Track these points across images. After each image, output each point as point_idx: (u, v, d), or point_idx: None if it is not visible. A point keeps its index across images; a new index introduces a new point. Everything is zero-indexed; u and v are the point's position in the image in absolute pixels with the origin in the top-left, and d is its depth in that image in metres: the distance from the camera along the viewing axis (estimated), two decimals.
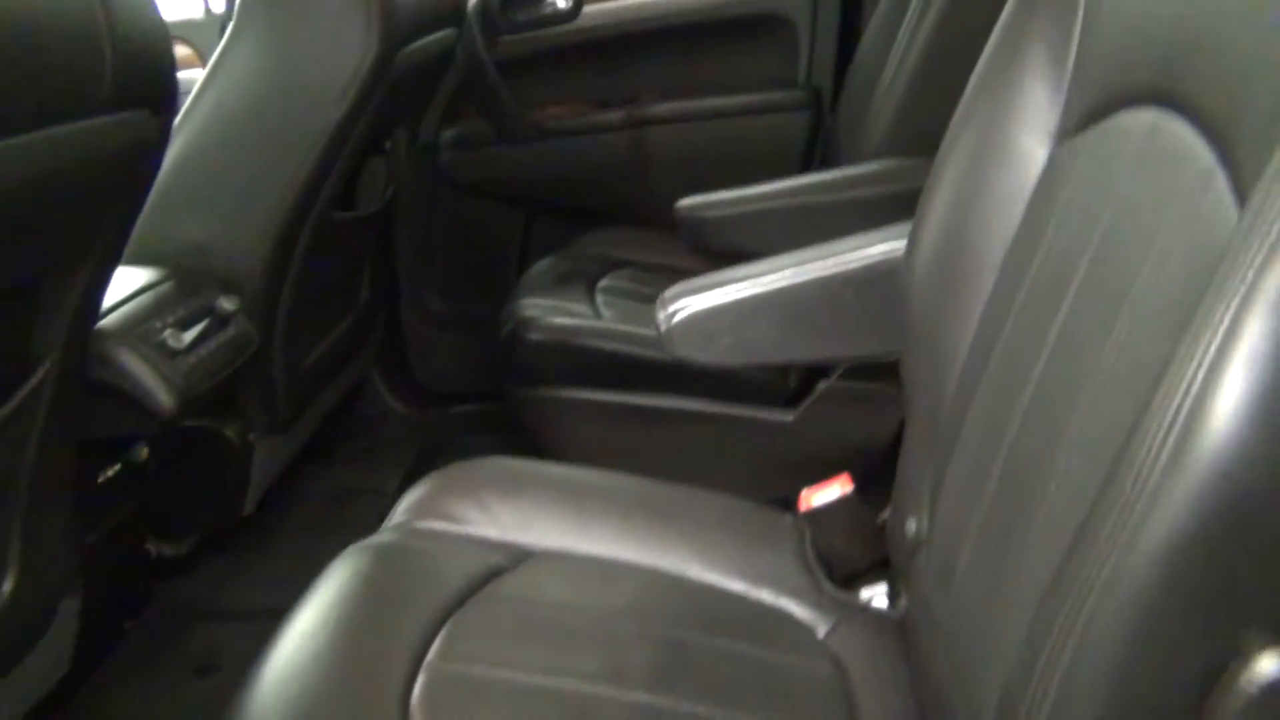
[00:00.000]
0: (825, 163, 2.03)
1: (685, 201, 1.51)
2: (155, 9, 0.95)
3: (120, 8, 0.88)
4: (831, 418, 1.43)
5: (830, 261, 1.05)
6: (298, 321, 1.61)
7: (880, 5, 1.85)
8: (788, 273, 1.05)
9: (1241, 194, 0.52)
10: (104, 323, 1.25)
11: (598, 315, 1.65)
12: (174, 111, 1.00)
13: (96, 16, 0.85)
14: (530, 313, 1.63)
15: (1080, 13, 0.83)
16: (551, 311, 1.62)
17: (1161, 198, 0.62)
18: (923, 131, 1.44)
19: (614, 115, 2.16)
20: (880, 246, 1.04)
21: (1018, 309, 0.78)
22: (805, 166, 2.10)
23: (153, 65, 0.93)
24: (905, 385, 1.00)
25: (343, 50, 1.46)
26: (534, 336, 1.57)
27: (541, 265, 1.90)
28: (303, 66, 1.47)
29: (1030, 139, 0.86)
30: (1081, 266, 0.70)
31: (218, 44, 2.20)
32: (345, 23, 1.45)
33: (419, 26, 1.64)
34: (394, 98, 1.64)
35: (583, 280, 1.80)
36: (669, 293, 1.08)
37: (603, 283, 1.81)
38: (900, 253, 1.02)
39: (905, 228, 1.03)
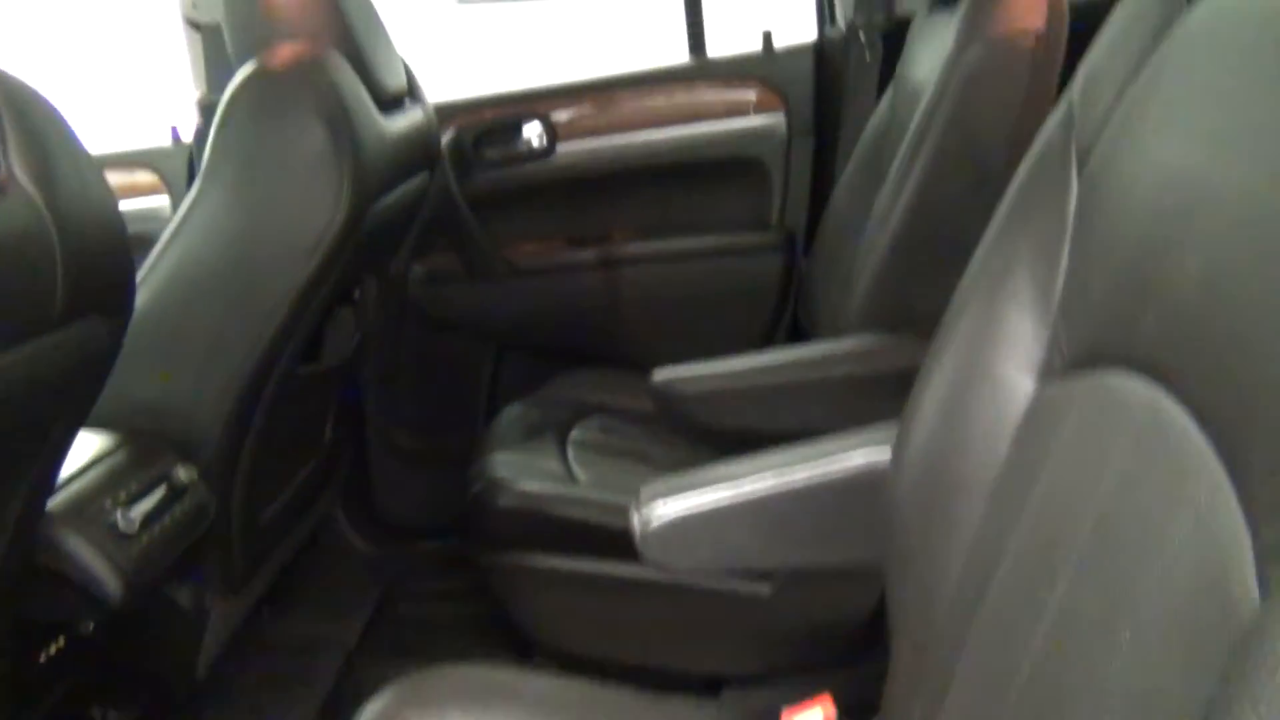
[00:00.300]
0: (800, 306, 2.02)
1: (660, 374, 1.48)
2: (110, 207, 0.92)
3: (73, 218, 0.84)
4: (808, 592, 1.39)
5: (812, 468, 1.02)
6: (258, 476, 1.56)
7: (855, 151, 1.86)
8: (769, 478, 1.02)
9: (1257, 534, 0.49)
10: (51, 503, 1.20)
11: (570, 475, 1.61)
12: (129, 311, 0.96)
13: (47, 233, 0.81)
14: (500, 472, 1.59)
15: (1066, 244, 0.81)
16: (522, 472, 1.58)
17: (1165, 493, 0.59)
18: (902, 304, 1.43)
19: (587, 254, 2.15)
20: (863, 453, 1.01)
21: (1010, 563, 0.75)
22: (779, 309, 2.09)
23: (108, 273, 0.90)
24: (889, 598, 0.97)
25: (311, 210, 1.43)
26: (503, 502, 1.52)
27: (512, 412, 1.87)
28: (270, 225, 1.44)
29: (1014, 369, 0.84)
30: (1080, 538, 0.67)
31: (184, 174, 2.22)
32: (314, 181, 1.42)
33: (392, 179, 1.62)
34: (364, 251, 1.61)
35: (553, 431, 1.76)
36: (645, 494, 1.04)
37: (574, 433, 1.77)
38: (883, 462, 0.99)
39: (887, 431, 1.00)
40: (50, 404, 0.89)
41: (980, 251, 0.92)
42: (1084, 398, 0.74)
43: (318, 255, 1.46)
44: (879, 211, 1.50)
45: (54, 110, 0.88)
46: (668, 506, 1.03)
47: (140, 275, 1.46)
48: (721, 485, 1.03)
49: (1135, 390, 0.67)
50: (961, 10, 1.39)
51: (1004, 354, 0.85)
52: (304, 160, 1.42)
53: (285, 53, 1.44)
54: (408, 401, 2.20)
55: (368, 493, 2.21)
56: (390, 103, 1.64)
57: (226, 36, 1.52)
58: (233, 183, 1.43)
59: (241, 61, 1.49)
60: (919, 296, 1.42)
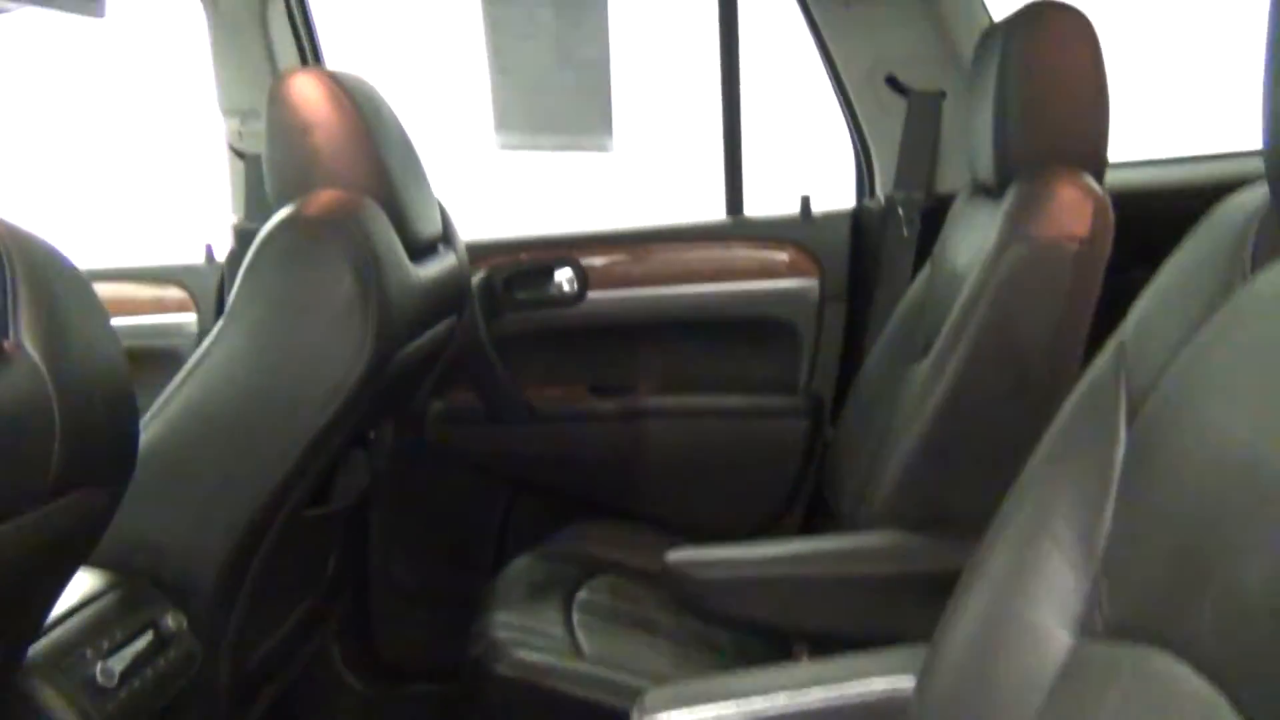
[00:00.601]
0: (823, 475, 1.97)
1: (674, 556, 1.43)
2: (118, 373, 0.88)
3: (78, 387, 0.81)
4: None
5: (828, 690, 0.96)
6: (252, 619, 1.50)
7: (889, 324, 1.83)
8: (781, 698, 0.96)
9: None
10: (31, 650, 1.15)
11: (574, 643, 1.55)
12: (129, 477, 0.92)
13: (48, 403, 0.78)
14: (500, 634, 1.53)
15: (1112, 498, 0.77)
16: (524, 638, 1.52)
17: None
18: (930, 504, 1.38)
19: (609, 404, 2.12)
20: (884, 680, 0.95)
21: None
22: (802, 476, 2.04)
23: (110, 443, 0.86)
24: None
25: (333, 358, 1.40)
26: (502, 669, 1.46)
27: (519, 565, 1.81)
28: (289, 370, 1.42)
29: (1051, 618, 0.79)
30: None
31: (213, 294, 2.23)
32: (338, 330, 1.40)
33: (419, 326, 1.60)
34: (384, 396, 1.59)
35: (560, 591, 1.70)
36: (650, 700, 0.98)
37: (581, 594, 1.71)
38: (905, 691, 0.93)
39: (910, 655, 0.95)
40: (34, 575, 0.84)
41: (1018, 485, 0.88)
42: (1130, 674, 0.68)
43: (335, 403, 1.43)
44: (910, 399, 1.46)
45: (71, 269, 0.86)
46: (672, 718, 0.97)
47: (154, 408, 1.44)
48: (731, 701, 0.97)
49: (1188, 683, 0.62)
50: (1004, 206, 1.38)
51: (1040, 601, 0.80)
52: (330, 308, 1.40)
53: (322, 199, 1.44)
54: (414, 538, 2.15)
55: (366, 629, 2.14)
56: (423, 249, 1.64)
57: (266, 176, 1.53)
58: (256, 325, 1.42)
59: (279, 202, 1.49)
60: (948, 498, 1.38)
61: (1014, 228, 1.33)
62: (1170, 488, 0.70)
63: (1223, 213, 0.77)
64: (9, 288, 0.78)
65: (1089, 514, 0.79)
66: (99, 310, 0.87)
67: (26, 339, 0.77)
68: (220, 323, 1.45)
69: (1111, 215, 1.33)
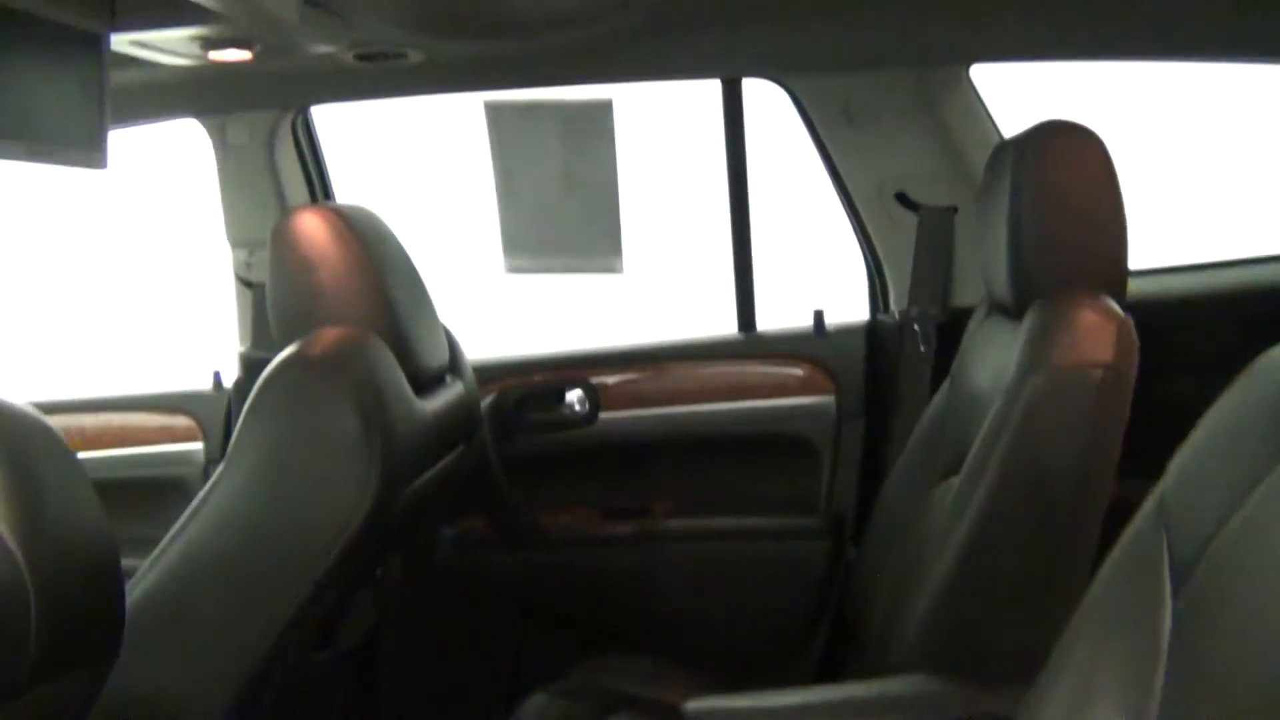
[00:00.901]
0: (846, 599, 1.90)
1: (694, 706, 1.36)
2: (102, 548, 0.84)
3: (56, 570, 0.77)
4: None
5: None
6: None
7: (910, 442, 1.78)
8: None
9: None
10: None
11: None
12: (114, 656, 0.87)
13: (22, 590, 0.74)
14: None
15: (1161, 673, 0.71)
16: None
17: None
18: (958, 646, 1.32)
19: (624, 528, 2.07)
20: None
21: None
22: (824, 599, 1.97)
23: (92, 624, 0.82)
24: None
25: (335, 502, 1.36)
26: None
27: (534, 704, 1.73)
28: (289, 514, 1.37)
29: None
30: None
31: (220, 421, 2.20)
32: (340, 473, 1.36)
33: (426, 461, 1.56)
34: (392, 534, 1.54)
35: None
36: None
37: None
38: None
39: None
40: None
41: (1059, 650, 0.82)
42: None
43: (340, 544, 1.39)
44: (935, 528, 1.40)
45: (54, 441, 0.83)
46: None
47: (153, 554, 1.40)
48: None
49: None
50: (1024, 331, 1.34)
51: None
52: (332, 449, 1.37)
53: (325, 338, 1.41)
54: (425, 676, 2.08)
55: None
56: (430, 381, 1.61)
57: (270, 313, 1.51)
58: (257, 467, 1.38)
59: (283, 339, 1.47)
60: (978, 636, 1.31)
61: (1035, 355, 1.28)
62: (1226, 668, 0.65)
63: (1265, 366, 0.72)
64: None
65: (1138, 696, 0.73)
66: (82, 483, 0.83)
67: (2, 524, 0.73)
68: (221, 466, 1.41)
69: (1135, 339, 1.29)
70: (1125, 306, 1.37)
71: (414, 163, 3.03)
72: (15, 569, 0.74)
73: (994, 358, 1.48)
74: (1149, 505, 0.79)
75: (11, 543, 0.73)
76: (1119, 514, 1.24)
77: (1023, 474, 1.27)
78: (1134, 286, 1.43)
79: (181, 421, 2.25)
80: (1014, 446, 1.27)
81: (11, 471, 0.75)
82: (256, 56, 1.50)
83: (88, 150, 1.24)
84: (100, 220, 3.50)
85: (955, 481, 1.44)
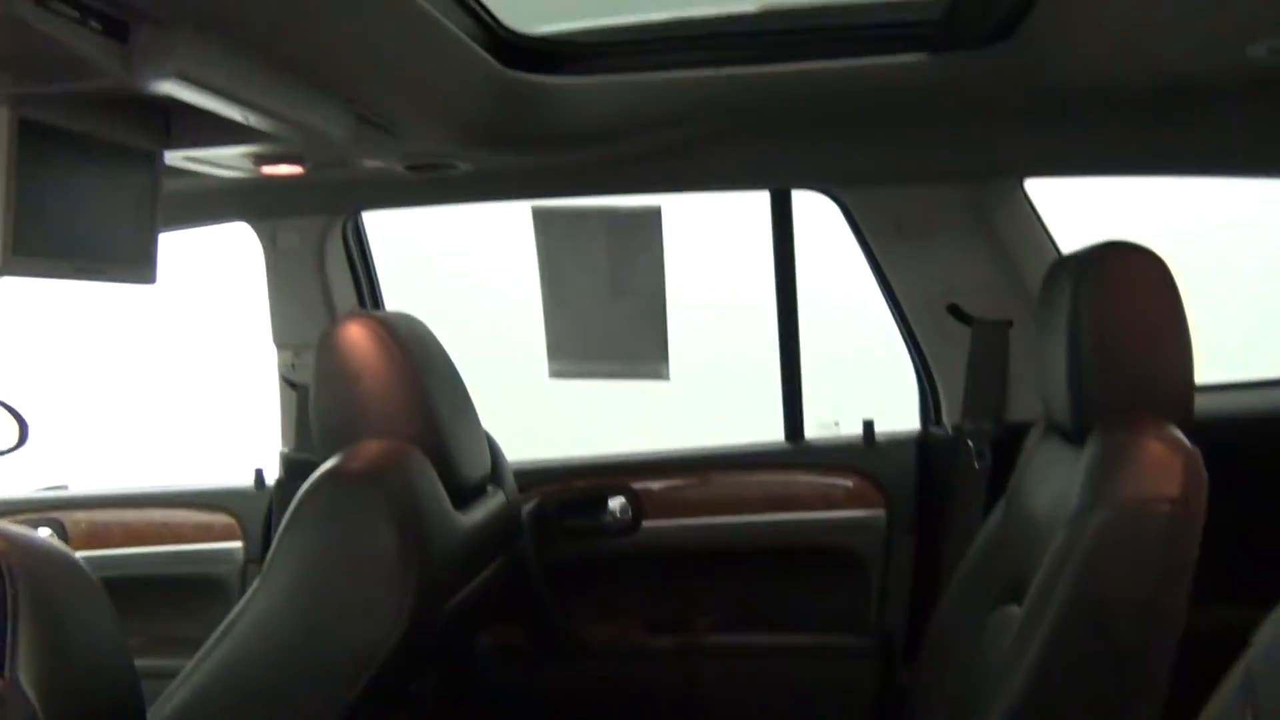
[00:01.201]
0: None
1: None
2: (124, 683, 0.82)
3: (71, 712, 0.74)
4: None
5: None
6: None
7: (963, 563, 1.71)
8: None
9: None
10: None
11: None
12: None
13: None
14: None
15: None
16: None
17: None
18: None
19: (665, 640, 2.02)
20: None
21: None
22: None
23: None
24: None
25: (370, 620, 1.33)
26: None
27: None
28: (323, 633, 1.34)
29: None
30: None
31: (261, 520, 2.18)
32: (376, 591, 1.33)
33: (468, 572, 1.53)
34: (431, 649, 1.50)
35: None
36: None
37: None
38: None
39: None
40: None
41: None
42: None
43: (376, 662, 1.35)
44: (993, 661, 1.34)
45: (76, 573, 0.81)
46: None
47: (185, 670, 1.37)
48: None
49: None
50: (1086, 460, 1.28)
51: None
52: (369, 565, 1.34)
53: (365, 452, 1.39)
54: None
55: None
56: (471, 492, 1.58)
57: (312, 421, 1.50)
58: (293, 583, 1.35)
59: (325, 448, 1.45)
60: None
61: (1100, 488, 1.23)
62: None
63: None
64: (9, 609, 0.73)
65: None
66: (108, 623, 0.81)
67: (22, 673, 0.71)
68: (258, 581, 1.39)
69: (1204, 470, 1.23)
70: (1191, 425, 1.31)
71: (462, 266, 3.06)
72: None
73: (1054, 483, 1.42)
74: (1235, 678, 0.73)
75: (32, 695, 0.71)
76: (1188, 639, 1.18)
77: (1088, 612, 1.20)
78: (1200, 402, 1.37)
79: (221, 519, 2.24)
80: (1079, 583, 1.20)
81: (37, 618, 0.73)
82: (308, 170, 1.52)
83: (138, 266, 1.25)
84: (153, 316, 3.56)
85: (1013, 610, 1.38)
